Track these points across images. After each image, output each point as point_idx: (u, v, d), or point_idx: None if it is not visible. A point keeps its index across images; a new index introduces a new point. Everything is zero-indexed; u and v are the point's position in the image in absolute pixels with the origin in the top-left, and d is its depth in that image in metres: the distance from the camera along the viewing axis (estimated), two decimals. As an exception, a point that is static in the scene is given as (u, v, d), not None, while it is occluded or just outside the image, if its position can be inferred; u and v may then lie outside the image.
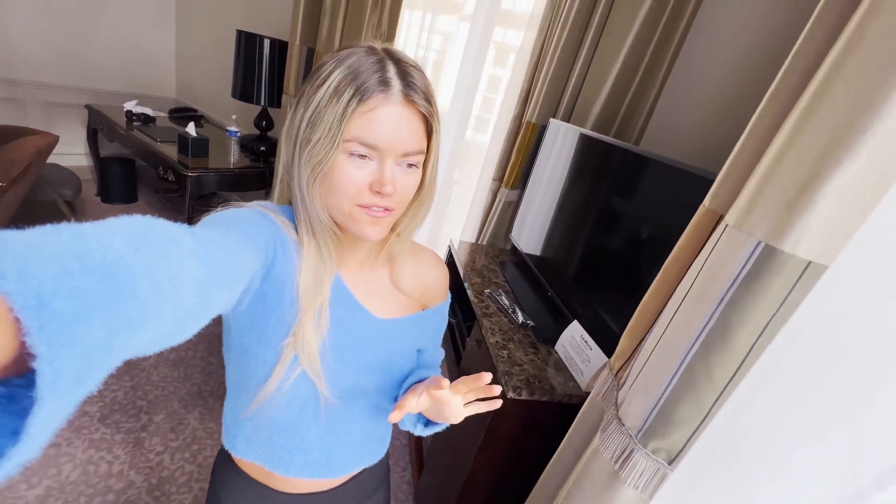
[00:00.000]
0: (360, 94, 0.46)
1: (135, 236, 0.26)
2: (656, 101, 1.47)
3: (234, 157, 2.60)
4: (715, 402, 0.55)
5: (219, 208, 0.48)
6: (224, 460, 0.68)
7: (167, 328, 0.27)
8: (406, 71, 0.48)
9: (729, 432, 0.57)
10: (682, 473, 0.62)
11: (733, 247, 0.53)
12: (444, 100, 2.19)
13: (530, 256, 1.56)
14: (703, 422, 0.56)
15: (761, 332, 0.51)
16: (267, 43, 2.38)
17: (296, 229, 0.54)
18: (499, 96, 2.04)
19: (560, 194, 1.46)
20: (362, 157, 0.48)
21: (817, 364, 0.52)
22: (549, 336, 1.22)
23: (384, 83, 0.46)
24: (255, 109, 2.68)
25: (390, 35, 2.11)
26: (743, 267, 0.51)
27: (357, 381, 0.58)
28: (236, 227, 0.45)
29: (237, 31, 2.39)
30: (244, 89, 2.47)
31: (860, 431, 0.48)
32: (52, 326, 0.19)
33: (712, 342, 0.54)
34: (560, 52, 1.51)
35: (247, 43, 2.38)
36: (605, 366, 1.05)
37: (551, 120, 1.59)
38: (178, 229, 0.30)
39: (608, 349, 1.06)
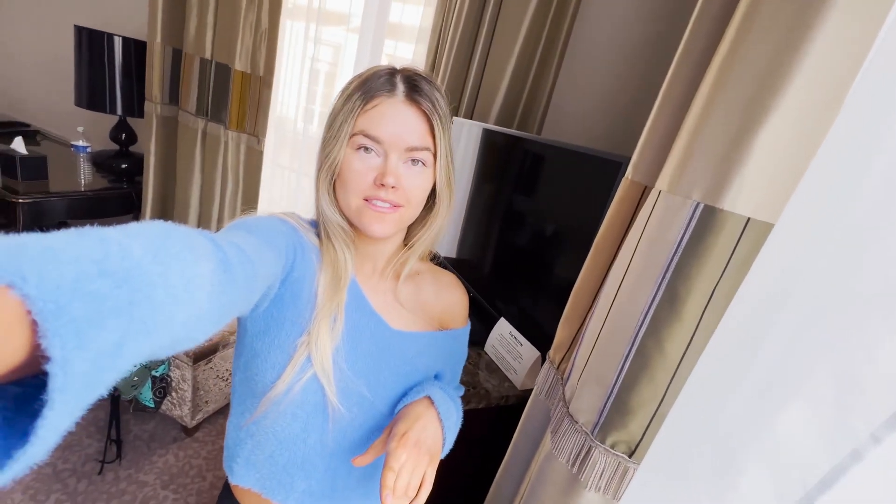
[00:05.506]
0: (367, 94, 0.50)
1: (154, 241, 0.26)
2: (552, 92, 1.53)
3: (85, 177, 2.15)
4: (671, 380, 0.51)
5: (241, 215, 0.50)
6: (225, 497, 0.65)
7: (179, 333, 0.27)
8: (412, 77, 0.52)
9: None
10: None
11: (672, 211, 0.50)
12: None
13: (447, 259, 1.51)
14: (660, 405, 0.52)
15: (710, 297, 0.48)
16: (118, 42, 2.02)
17: (317, 234, 0.57)
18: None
19: (470, 192, 1.44)
20: (367, 150, 0.51)
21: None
22: (477, 338, 1.16)
23: (390, 84, 0.51)
24: (109, 120, 2.26)
25: (272, 35, 1.93)
26: (685, 231, 0.48)
27: (368, 394, 0.56)
28: (257, 232, 0.46)
29: (75, 27, 1.99)
30: (92, 97, 2.07)
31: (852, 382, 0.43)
32: (67, 330, 0.19)
33: (661, 316, 0.50)
34: (453, 61, 1.52)
35: (90, 42, 2.00)
36: (538, 360, 1.01)
37: (454, 119, 1.56)
38: (197, 234, 0.31)
39: (538, 343, 1.03)
